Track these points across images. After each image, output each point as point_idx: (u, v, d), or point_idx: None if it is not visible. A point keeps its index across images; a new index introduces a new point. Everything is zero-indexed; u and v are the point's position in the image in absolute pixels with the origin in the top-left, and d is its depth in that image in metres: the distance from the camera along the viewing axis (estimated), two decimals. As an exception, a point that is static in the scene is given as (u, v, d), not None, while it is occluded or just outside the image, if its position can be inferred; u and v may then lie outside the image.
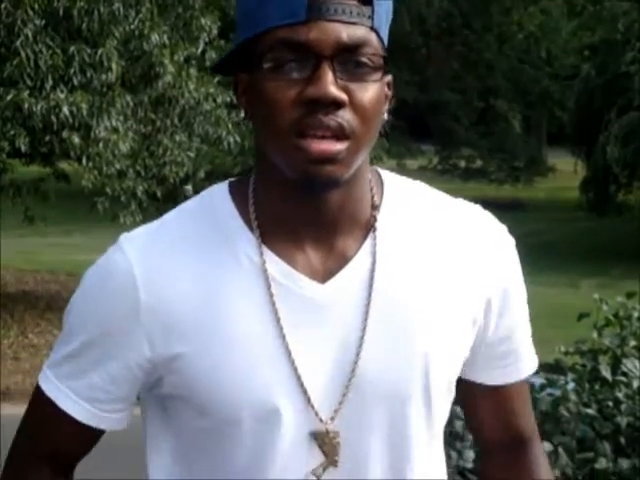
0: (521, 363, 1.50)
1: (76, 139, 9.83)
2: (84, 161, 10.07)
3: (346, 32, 1.29)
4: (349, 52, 1.30)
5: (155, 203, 10.67)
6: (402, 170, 21.57)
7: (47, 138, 10.16)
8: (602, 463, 3.31)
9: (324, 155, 1.29)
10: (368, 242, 1.40)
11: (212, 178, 10.64)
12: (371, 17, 1.31)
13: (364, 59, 1.31)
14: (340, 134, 1.29)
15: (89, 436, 1.44)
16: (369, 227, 1.40)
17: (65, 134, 9.83)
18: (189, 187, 10.93)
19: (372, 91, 1.32)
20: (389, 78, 1.39)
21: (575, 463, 3.33)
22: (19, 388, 8.64)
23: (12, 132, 9.69)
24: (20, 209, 11.51)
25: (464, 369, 1.46)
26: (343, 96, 1.29)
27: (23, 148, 9.74)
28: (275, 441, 1.35)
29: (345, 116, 1.30)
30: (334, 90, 1.28)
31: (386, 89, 1.38)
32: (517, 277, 1.47)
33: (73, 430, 1.42)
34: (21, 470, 1.47)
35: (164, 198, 10.62)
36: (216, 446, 1.38)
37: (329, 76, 1.28)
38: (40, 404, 1.44)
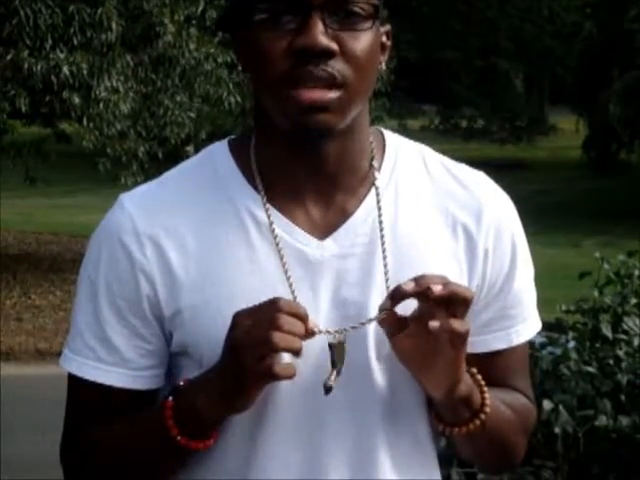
0: (520, 326, 1.47)
1: (76, 99, 9.80)
2: (85, 122, 10.04)
3: None
4: (339, 1, 1.30)
5: (156, 164, 10.65)
6: (403, 130, 21.50)
7: (47, 98, 10.12)
8: (602, 420, 3.33)
9: (315, 104, 1.29)
10: (368, 198, 1.40)
11: (213, 139, 10.54)
12: None
13: (355, 8, 1.31)
14: (332, 84, 1.30)
15: (134, 397, 1.41)
16: (369, 183, 1.41)
17: (65, 94, 9.79)
18: (190, 148, 10.91)
19: (364, 40, 1.31)
20: (387, 28, 1.39)
21: (575, 420, 3.34)
22: (22, 349, 8.67)
23: (12, 92, 9.66)
24: (21, 170, 11.50)
25: None
26: (333, 45, 1.29)
27: (23, 108, 9.71)
28: (274, 394, 1.36)
29: (336, 66, 1.30)
30: (323, 40, 1.28)
31: (384, 39, 1.38)
32: (519, 239, 1.46)
33: (114, 397, 1.41)
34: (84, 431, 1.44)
35: (165, 159, 10.60)
36: None
37: (319, 26, 1.28)
38: (73, 386, 1.44)
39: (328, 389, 1.30)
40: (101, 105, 9.84)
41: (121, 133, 10.19)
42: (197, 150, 1.51)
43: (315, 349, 1.33)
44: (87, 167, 10.85)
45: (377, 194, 1.40)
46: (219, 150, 1.44)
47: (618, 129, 20.37)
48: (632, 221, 16.25)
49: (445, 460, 3.16)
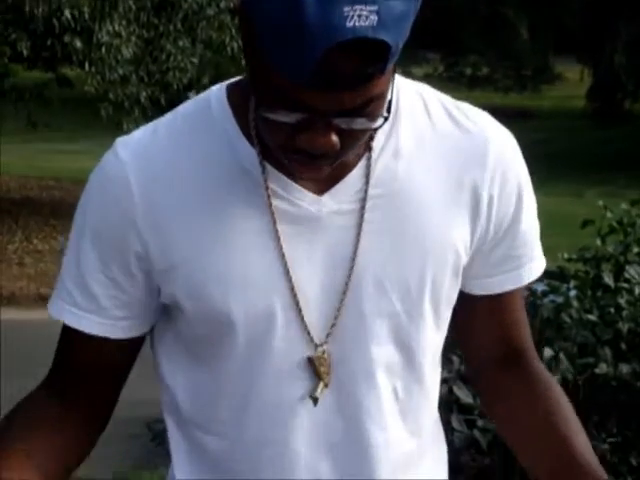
0: (528, 265, 1.46)
1: (78, 43, 9.74)
2: (87, 66, 10.00)
3: (350, 98, 1.18)
4: (353, 112, 1.21)
5: (159, 110, 10.61)
6: (407, 78, 21.35)
7: (49, 42, 10.07)
8: (602, 368, 3.34)
9: (308, 177, 1.29)
10: (368, 154, 1.35)
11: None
12: (384, 66, 1.22)
13: (366, 115, 1.21)
14: (327, 160, 1.25)
15: (112, 348, 1.41)
16: (369, 136, 1.34)
17: (67, 38, 9.74)
18: (193, 93, 10.85)
19: (367, 131, 1.25)
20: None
21: (576, 368, 3.35)
22: (24, 293, 8.71)
23: (13, 36, 9.61)
24: (23, 114, 11.46)
25: (464, 281, 1.43)
26: (335, 147, 1.22)
27: (25, 52, 9.67)
28: (267, 358, 1.35)
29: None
30: (325, 144, 1.21)
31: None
32: (524, 179, 1.43)
33: (92, 345, 1.40)
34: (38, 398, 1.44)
35: (168, 105, 10.55)
36: (212, 353, 1.38)
37: (323, 130, 1.21)
38: (62, 330, 1.44)
39: (315, 400, 1.32)
40: (103, 49, 9.79)
41: (123, 78, 10.15)
42: (199, 96, 1.46)
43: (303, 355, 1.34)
44: (89, 113, 10.81)
45: (370, 149, 1.36)
46: (216, 97, 1.38)
47: (623, 79, 20.26)
48: (635, 171, 16.22)
49: (445, 406, 3.16)
